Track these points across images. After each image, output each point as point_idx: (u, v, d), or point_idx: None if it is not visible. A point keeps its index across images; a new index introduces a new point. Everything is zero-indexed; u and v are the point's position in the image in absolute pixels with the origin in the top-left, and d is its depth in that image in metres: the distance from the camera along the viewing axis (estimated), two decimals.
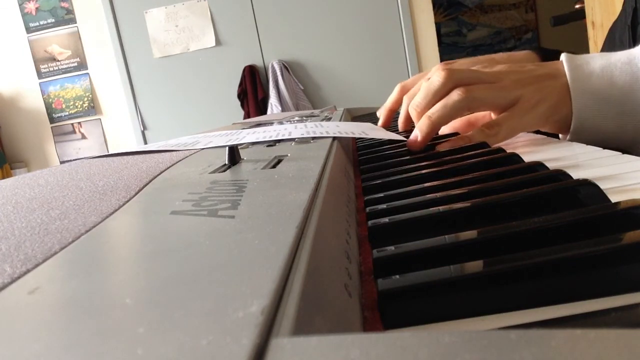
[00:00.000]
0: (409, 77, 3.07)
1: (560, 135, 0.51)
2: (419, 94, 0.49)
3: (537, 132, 0.54)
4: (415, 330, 0.16)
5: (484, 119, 0.53)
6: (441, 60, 2.82)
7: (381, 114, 0.70)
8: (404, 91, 0.66)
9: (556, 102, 0.46)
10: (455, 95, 0.46)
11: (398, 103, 0.67)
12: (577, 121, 0.46)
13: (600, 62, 0.46)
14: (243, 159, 0.36)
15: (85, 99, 3.05)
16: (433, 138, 0.48)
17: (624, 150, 0.36)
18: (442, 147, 0.46)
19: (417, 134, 0.46)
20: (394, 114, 0.69)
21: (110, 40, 2.91)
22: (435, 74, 0.48)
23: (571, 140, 0.48)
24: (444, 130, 0.55)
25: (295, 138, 0.47)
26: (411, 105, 0.49)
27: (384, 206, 0.29)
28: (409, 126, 0.57)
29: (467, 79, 0.47)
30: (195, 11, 2.85)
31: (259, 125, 0.82)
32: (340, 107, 1.48)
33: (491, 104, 0.47)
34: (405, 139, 0.53)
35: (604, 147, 0.39)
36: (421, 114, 0.48)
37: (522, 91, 0.46)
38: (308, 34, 2.83)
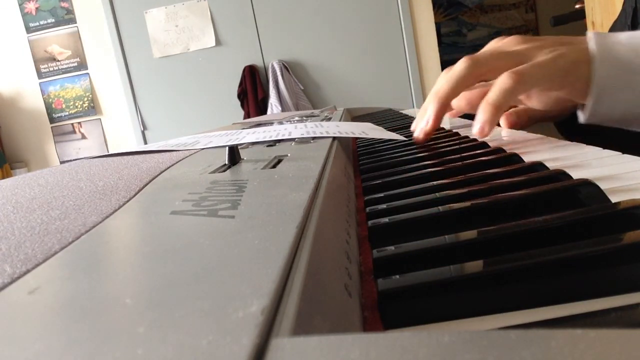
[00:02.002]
0: (409, 77, 3.05)
1: (579, 113, 0.48)
2: (440, 82, 0.48)
3: (560, 130, 0.52)
4: (415, 330, 0.16)
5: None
6: (441, 60, 2.83)
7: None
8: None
9: (576, 59, 0.44)
10: (458, 66, 0.45)
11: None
12: (597, 86, 0.44)
13: (627, 34, 0.45)
14: (243, 159, 0.36)
15: (85, 99, 3.05)
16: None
17: (610, 139, 0.35)
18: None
19: (428, 116, 0.46)
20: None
21: (110, 40, 2.91)
22: (505, 76, 0.46)
23: (591, 112, 0.45)
24: (460, 104, 0.53)
25: (295, 138, 0.47)
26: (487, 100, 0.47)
27: (384, 206, 0.29)
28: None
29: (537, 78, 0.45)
30: (195, 11, 2.85)
31: (259, 125, 0.82)
32: (340, 107, 1.48)
33: (500, 65, 0.45)
34: (404, 138, 0.53)
35: (619, 126, 0.36)
36: (442, 100, 0.46)
37: (536, 52, 0.45)
38: (308, 34, 2.83)
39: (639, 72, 0.43)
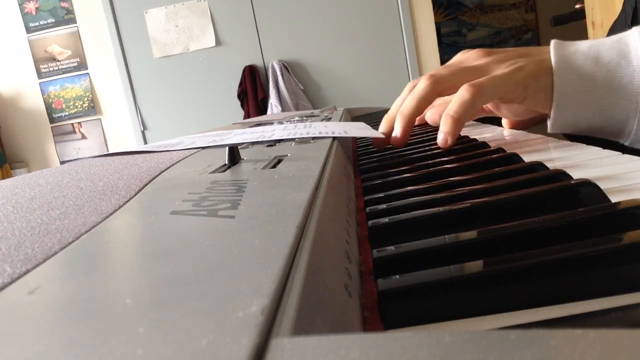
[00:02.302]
0: (409, 77, 3.06)
1: (547, 121, 0.49)
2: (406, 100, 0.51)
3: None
4: (415, 330, 0.16)
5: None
6: (441, 60, 2.83)
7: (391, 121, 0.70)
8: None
9: (534, 71, 0.45)
10: (420, 83, 0.48)
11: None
12: (559, 97, 0.44)
13: (588, 42, 0.45)
14: (243, 159, 0.36)
15: (85, 99, 3.05)
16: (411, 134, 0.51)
17: (610, 140, 0.35)
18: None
19: (395, 132, 0.49)
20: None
21: (110, 40, 2.91)
22: (464, 88, 0.47)
23: (554, 122, 0.46)
24: (435, 119, 0.56)
25: (282, 139, 0.48)
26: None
27: (384, 206, 0.29)
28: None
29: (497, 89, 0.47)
30: (195, 11, 2.85)
31: (257, 125, 0.82)
32: (340, 107, 1.48)
33: (461, 80, 0.47)
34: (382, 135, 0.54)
35: (589, 134, 0.37)
36: (406, 116, 0.49)
37: (496, 65, 0.47)
38: (308, 34, 2.83)
39: (600, 80, 0.43)
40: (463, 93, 0.45)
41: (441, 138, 0.45)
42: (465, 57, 0.52)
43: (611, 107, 0.43)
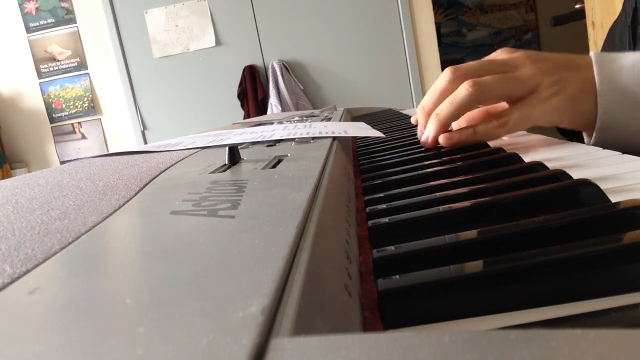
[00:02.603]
0: (409, 77, 3.05)
1: (584, 136, 0.48)
2: (426, 95, 0.49)
3: (560, 130, 0.52)
4: (415, 330, 0.16)
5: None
6: (441, 60, 2.83)
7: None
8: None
9: (575, 95, 0.43)
10: (462, 90, 0.44)
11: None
12: (602, 119, 0.43)
13: (631, 58, 0.43)
14: (243, 159, 0.36)
15: (85, 99, 3.05)
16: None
17: None
18: (445, 139, 0.45)
19: (427, 134, 0.46)
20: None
21: (110, 40, 2.91)
22: (442, 74, 0.47)
23: (596, 140, 0.44)
24: (460, 122, 0.53)
25: (282, 139, 0.48)
26: (419, 106, 0.49)
27: (384, 206, 0.29)
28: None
29: (475, 71, 0.45)
30: (195, 11, 2.85)
31: (257, 125, 0.82)
32: (340, 107, 1.48)
33: (503, 94, 0.44)
34: (384, 135, 0.54)
35: (631, 151, 0.36)
36: (428, 113, 0.47)
37: (540, 79, 0.43)
38: (308, 34, 2.83)
39: None
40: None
41: (423, 138, 0.46)
42: (510, 60, 0.47)
43: None
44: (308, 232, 0.17)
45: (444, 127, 0.46)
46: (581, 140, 0.48)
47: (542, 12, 4.04)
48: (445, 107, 0.45)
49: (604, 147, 0.45)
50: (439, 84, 0.47)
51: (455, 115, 0.45)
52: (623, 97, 0.42)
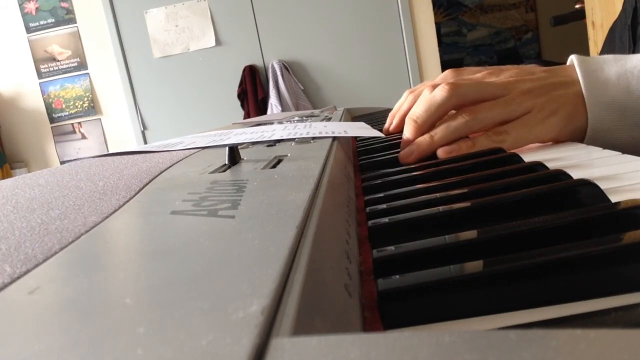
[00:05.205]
0: (409, 77, 3.05)
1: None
2: (419, 103, 0.48)
3: None
4: (415, 330, 0.16)
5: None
6: (441, 60, 2.83)
7: (392, 119, 0.66)
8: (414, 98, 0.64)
9: (570, 112, 0.44)
10: (460, 119, 0.45)
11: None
12: (592, 132, 0.44)
13: (615, 68, 0.44)
14: (243, 159, 0.36)
15: (85, 99, 3.05)
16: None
17: None
18: (444, 152, 0.45)
19: (414, 150, 0.45)
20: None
21: (110, 40, 2.91)
22: (439, 88, 0.46)
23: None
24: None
25: (282, 139, 0.48)
26: (410, 114, 0.48)
27: (384, 206, 0.29)
28: (399, 130, 0.56)
29: (473, 94, 0.45)
30: (195, 11, 2.85)
31: (257, 125, 0.82)
32: (340, 107, 1.48)
33: (500, 121, 0.45)
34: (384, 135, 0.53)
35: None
36: (418, 126, 0.47)
37: (533, 102, 0.44)
38: (308, 34, 2.83)
39: (630, 113, 0.43)
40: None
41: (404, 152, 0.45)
42: (501, 85, 0.47)
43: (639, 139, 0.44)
44: (308, 232, 0.17)
45: (434, 150, 0.46)
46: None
47: (542, 12, 4.05)
48: (442, 132, 0.46)
49: None
50: (435, 98, 0.47)
51: (450, 140, 0.45)
52: (611, 110, 0.44)
